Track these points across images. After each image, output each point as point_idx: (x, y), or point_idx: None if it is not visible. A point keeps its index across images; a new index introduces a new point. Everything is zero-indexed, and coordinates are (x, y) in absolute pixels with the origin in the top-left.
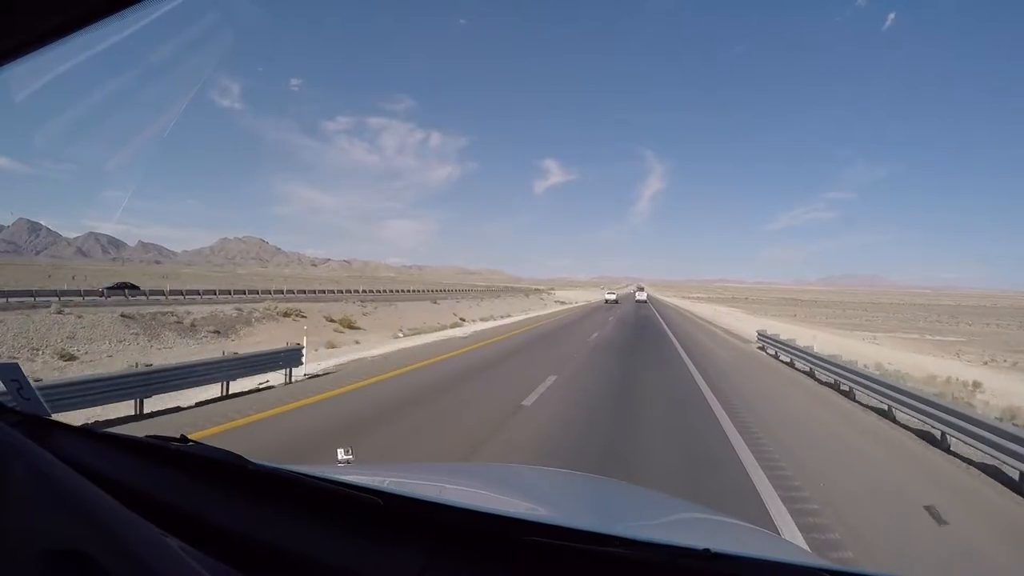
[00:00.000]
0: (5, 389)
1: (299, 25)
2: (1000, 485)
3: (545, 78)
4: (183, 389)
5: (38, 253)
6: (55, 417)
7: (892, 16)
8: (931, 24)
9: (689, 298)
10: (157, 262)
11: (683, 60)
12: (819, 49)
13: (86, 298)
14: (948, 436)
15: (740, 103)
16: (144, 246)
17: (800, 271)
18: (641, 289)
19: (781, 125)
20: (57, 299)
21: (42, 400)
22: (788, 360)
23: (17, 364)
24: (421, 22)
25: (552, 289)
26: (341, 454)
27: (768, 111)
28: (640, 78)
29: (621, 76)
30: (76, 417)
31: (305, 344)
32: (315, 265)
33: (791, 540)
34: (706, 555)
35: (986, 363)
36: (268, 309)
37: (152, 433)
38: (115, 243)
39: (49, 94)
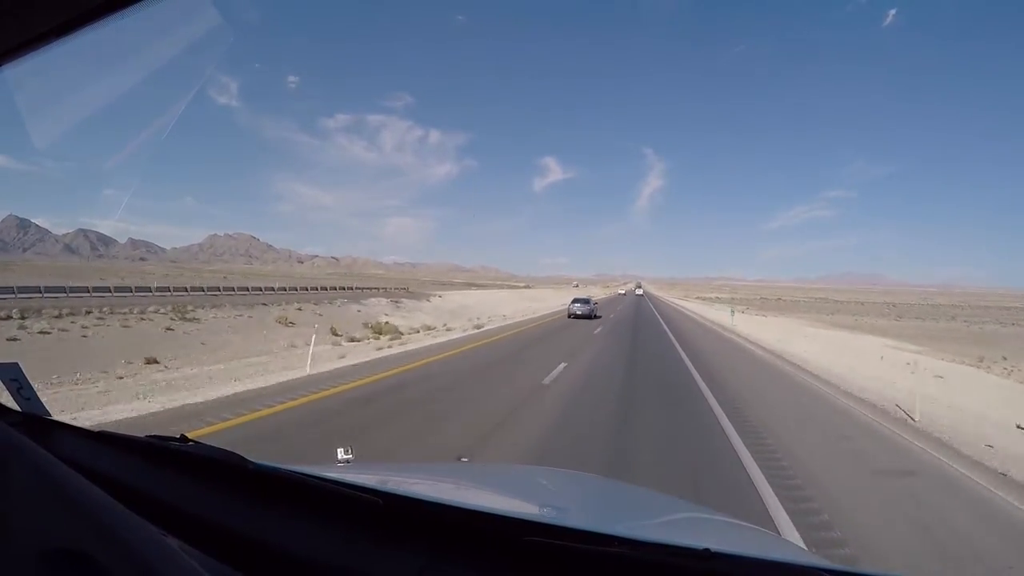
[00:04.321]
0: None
1: (296, 22)
2: None
3: (545, 77)
4: None
5: (25, 250)
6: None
7: (892, 13)
8: (930, 21)
9: (703, 300)
10: (143, 259)
11: (684, 59)
12: (819, 48)
13: None
14: None
15: (740, 102)
16: (134, 243)
17: (801, 269)
18: (639, 286)
19: (781, 124)
20: None
21: (42, 400)
22: None
23: (17, 364)
24: (419, 19)
25: (494, 284)
26: (341, 454)
27: (768, 110)
28: (641, 77)
29: (622, 74)
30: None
31: None
32: (301, 262)
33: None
34: (705, 555)
35: None
36: None
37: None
38: (105, 240)
39: (49, 94)
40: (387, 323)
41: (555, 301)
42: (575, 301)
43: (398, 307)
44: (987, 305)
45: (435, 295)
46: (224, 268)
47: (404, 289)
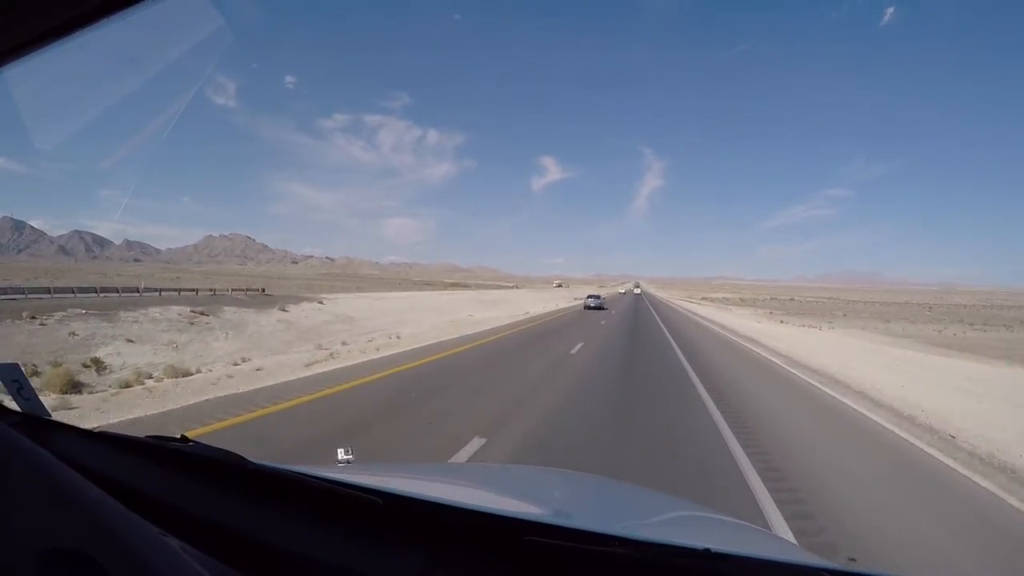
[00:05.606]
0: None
1: (295, 22)
2: None
3: (544, 76)
4: None
5: (20, 252)
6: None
7: (891, 10)
8: (929, 18)
9: (713, 302)
10: (137, 260)
11: (684, 58)
12: (818, 46)
13: None
14: None
15: (740, 101)
16: (129, 244)
17: (800, 268)
18: (637, 286)
19: (781, 123)
20: None
21: (41, 400)
22: None
23: (17, 364)
24: (417, 19)
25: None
26: (341, 454)
27: (767, 109)
28: (640, 76)
29: (621, 74)
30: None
31: None
32: (295, 263)
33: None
34: (706, 555)
35: None
36: None
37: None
38: (100, 241)
39: (48, 95)
40: (94, 359)
41: (518, 307)
42: (589, 296)
43: (193, 323)
44: (1008, 304)
45: (317, 299)
46: (215, 269)
47: (260, 291)
